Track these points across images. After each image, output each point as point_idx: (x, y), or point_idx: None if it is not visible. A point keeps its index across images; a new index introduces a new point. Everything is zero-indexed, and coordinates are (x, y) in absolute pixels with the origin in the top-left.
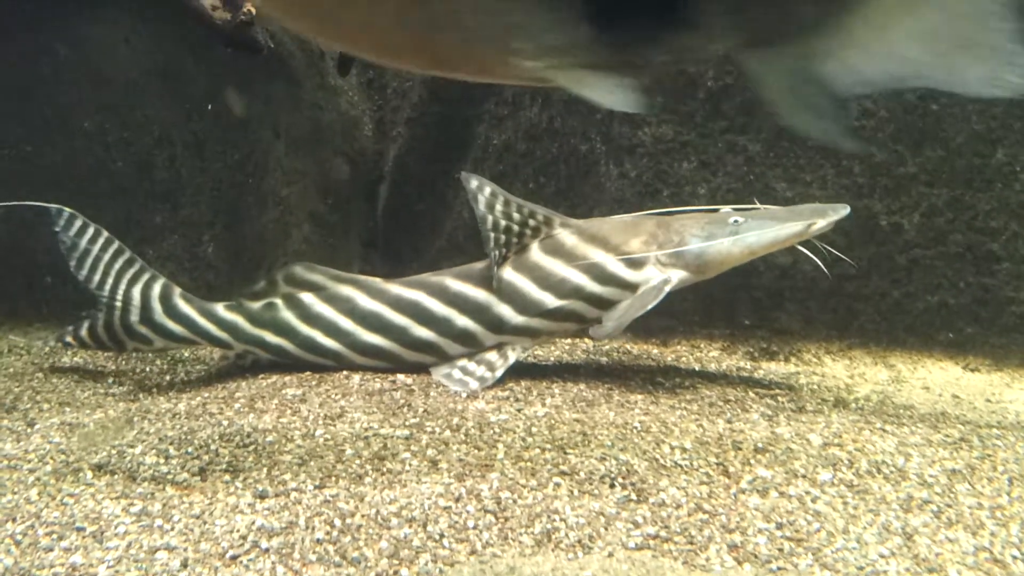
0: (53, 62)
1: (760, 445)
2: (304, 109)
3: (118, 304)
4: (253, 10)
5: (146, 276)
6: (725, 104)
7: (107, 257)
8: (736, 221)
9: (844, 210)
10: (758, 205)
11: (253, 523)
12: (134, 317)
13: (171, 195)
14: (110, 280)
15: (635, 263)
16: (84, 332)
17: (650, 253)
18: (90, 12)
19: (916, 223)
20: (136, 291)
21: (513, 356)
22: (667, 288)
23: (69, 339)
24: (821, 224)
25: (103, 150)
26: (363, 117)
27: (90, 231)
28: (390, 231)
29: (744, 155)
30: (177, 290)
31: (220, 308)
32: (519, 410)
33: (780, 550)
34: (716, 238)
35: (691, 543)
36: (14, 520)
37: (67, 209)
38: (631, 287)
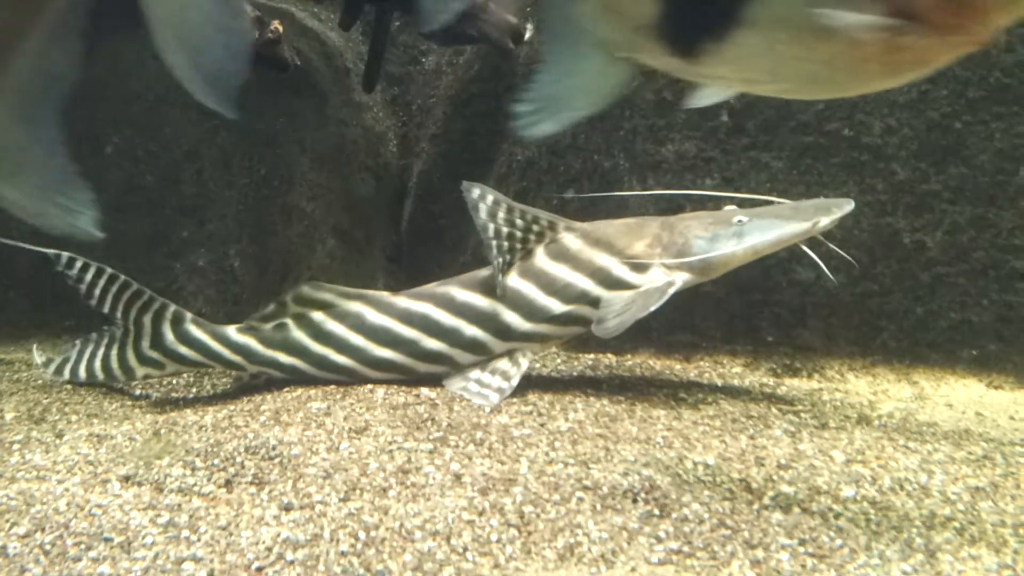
0: (83, 78)
1: (783, 461)
2: (329, 125)
3: (130, 332)
4: (280, 28)
5: (156, 305)
6: (748, 121)
7: (113, 290)
8: (740, 221)
9: (848, 205)
10: (771, 198)
11: (278, 535)
12: (145, 343)
13: (198, 209)
14: (119, 312)
15: (639, 267)
16: (83, 369)
17: (655, 259)
18: (119, 29)
19: (939, 240)
20: (147, 319)
21: (525, 362)
22: (671, 290)
23: (67, 374)
24: (825, 222)
25: (132, 165)
26: (388, 133)
27: (92, 270)
28: (414, 246)
29: (767, 172)
30: (188, 315)
31: (232, 331)
32: (542, 424)
33: (803, 566)
34: (720, 239)
35: (714, 559)
36: (43, 530)
37: (65, 253)
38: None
